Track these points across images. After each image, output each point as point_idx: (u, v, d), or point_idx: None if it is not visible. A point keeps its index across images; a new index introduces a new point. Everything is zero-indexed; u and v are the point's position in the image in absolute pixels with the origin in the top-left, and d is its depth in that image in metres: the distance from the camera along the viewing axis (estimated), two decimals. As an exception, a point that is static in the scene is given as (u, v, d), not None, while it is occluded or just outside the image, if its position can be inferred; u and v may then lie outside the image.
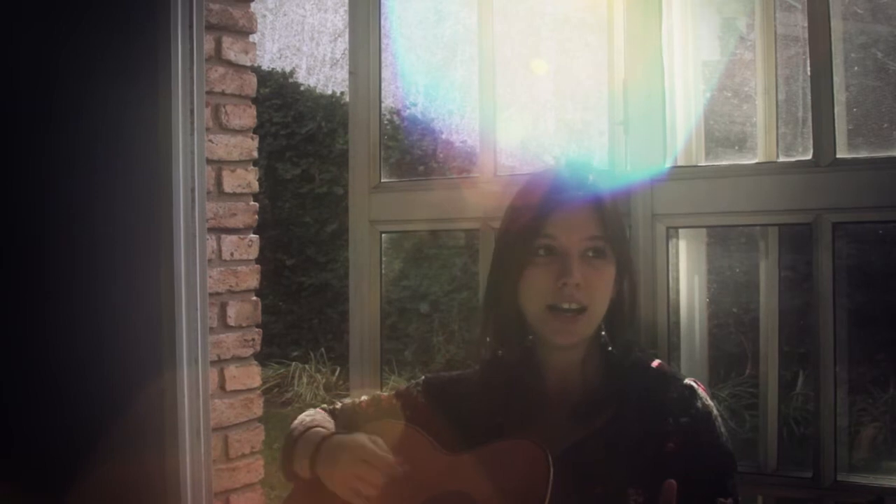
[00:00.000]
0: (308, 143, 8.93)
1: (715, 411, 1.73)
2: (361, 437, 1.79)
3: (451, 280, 7.88)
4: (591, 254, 1.75)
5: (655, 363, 1.81)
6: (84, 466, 2.75)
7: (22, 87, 2.94)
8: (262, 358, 3.33)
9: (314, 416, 1.93)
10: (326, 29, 10.14)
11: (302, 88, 9.29)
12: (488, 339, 1.87)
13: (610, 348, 1.80)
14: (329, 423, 1.92)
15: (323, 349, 8.19)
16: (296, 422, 1.92)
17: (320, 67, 9.94)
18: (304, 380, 7.95)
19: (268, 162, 8.56)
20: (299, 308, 8.86)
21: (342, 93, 8.87)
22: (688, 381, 1.76)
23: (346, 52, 2.72)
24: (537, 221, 1.75)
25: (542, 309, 1.76)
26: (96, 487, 2.66)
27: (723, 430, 1.72)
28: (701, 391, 1.74)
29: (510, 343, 1.84)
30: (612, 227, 1.77)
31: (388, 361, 6.74)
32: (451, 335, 7.61)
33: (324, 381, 7.91)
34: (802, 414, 4.17)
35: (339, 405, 2.01)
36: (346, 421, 1.93)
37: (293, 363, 8.09)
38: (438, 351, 7.61)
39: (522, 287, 1.77)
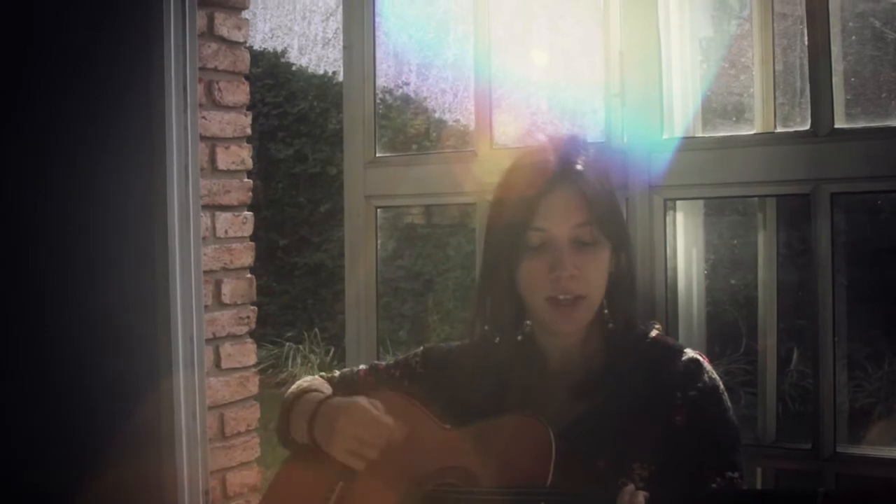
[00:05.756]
0: (300, 122, 8.90)
1: (721, 385, 1.72)
2: (361, 400, 1.78)
3: (445, 259, 7.87)
4: (582, 241, 1.72)
5: (653, 333, 1.80)
6: (81, 442, 2.75)
7: (9, 63, 2.92)
8: (256, 338, 3.32)
9: (311, 382, 1.93)
10: (318, 8, 10.08)
11: (294, 68, 9.25)
12: (486, 327, 1.84)
13: (611, 325, 1.78)
14: (326, 388, 1.91)
15: (317, 329, 8.19)
16: (293, 387, 1.91)
17: (312, 47, 9.89)
18: (298, 360, 7.96)
19: (260, 142, 8.52)
20: (293, 288, 8.85)
21: (334, 72, 8.83)
22: (692, 353, 1.74)
23: (338, 31, 2.71)
24: (525, 215, 1.71)
25: (540, 301, 1.73)
26: (91, 461, 2.65)
27: (729, 403, 1.71)
28: (706, 364, 1.73)
29: (509, 332, 1.82)
30: (600, 209, 1.73)
31: (383, 341, 6.73)
32: (447, 315, 7.60)
33: (318, 361, 7.91)
34: (798, 391, 4.17)
35: (336, 374, 2.01)
36: (344, 390, 1.92)
37: (287, 344, 8.09)
38: (433, 330, 7.61)
39: (518, 279, 1.75)
